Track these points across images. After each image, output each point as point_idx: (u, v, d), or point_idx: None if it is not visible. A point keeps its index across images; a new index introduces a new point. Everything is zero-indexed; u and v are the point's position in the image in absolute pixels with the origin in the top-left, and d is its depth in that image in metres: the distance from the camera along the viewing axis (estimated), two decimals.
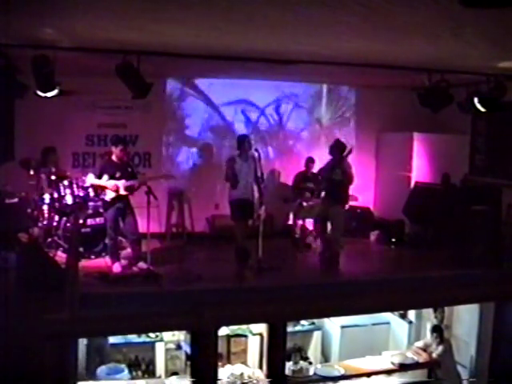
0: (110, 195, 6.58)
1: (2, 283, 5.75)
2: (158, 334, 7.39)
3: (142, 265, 6.59)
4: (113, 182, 6.56)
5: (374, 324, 8.11)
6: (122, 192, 6.61)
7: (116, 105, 8.55)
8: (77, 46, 5.91)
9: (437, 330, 7.56)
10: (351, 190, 8.74)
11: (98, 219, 7.37)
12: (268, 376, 6.60)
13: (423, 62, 6.67)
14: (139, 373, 7.40)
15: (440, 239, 7.98)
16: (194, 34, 5.34)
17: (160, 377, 7.35)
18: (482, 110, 7.39)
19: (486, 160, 9.10)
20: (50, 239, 7.26)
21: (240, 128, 9.21)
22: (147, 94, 6.34)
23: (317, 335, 8.13)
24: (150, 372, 7.45)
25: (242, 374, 6.99)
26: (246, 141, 7.43)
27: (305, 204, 8.45)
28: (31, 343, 5.21)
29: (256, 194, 7.35)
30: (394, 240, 8.41)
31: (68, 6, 4.33)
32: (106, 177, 6.58)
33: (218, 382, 6.35)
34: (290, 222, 8.84)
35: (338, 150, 7.42)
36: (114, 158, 6.72)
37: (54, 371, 5.28)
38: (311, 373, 7.12)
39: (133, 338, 7.31)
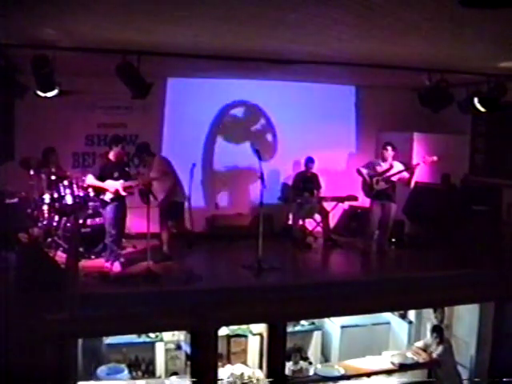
0: (109, 196, 6.61)
1: (2, 283, 5.75)
2: (157, 334, 7.39)
3: (142, 264, 6.60)
4: (113, 184, 6.58)
5: (373, 324, 8.11)
6: (122, 193, 6.64)
7: (116, 105, 8.54)
8: (77, 46, 5.90)
9: (437, 329, 7.56)
10: (351, 190, 8.80)
11: (97, 219, 7.37)
12: (268, 376, 6.60)
13: (423, 61, 6.67)
14: (139, 373, 7.41)
15: (440, 239, 7.98)
16: (194, 34, 5.35)
17: (160, 377, 7.36)
18: (482, 109, 7.38)
19: (486, 160, 9.10)
20: (49, 239, 7.25)
21: (240, 128, 9.23)
22: (147, 94, 6.33)
23: (317, 335, 8.13)
24: (150, 372, 7.45)
25: (242, 374, 7.00)
26: (148, 146, 7.44)
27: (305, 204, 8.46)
28: (31, 343, 5.21)
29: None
30: (393, 240, 8.40)
31: (68, 6, 4.33)
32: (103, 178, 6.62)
33: (218, 382, 6.36)
34: (290, 222, 8.85)
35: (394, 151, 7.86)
36: (111, 157, 6.74)
37: (54, 371, 5.28)
38: (311, 373, 7.13)
39: (133, 338, 7.31)
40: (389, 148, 7.82)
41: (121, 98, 7.99)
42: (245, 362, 7.46)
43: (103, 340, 7.15)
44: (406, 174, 7.75)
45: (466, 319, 7.72)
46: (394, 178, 7.75)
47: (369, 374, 7.25)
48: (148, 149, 7.44)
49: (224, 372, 7.00)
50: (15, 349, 5.12)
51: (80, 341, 6.66)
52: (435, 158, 7.77)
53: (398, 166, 7.80)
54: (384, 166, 7.83)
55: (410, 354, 7.53)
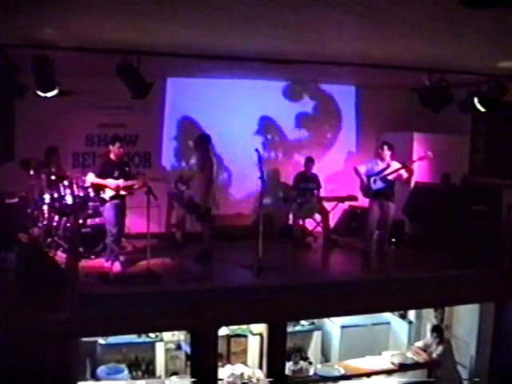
0: (108, 194, 6.62)
1: (1, 283, 5.75)
2: (157, 334, 7.39)
3: (142, 264, 6.60)
4: (113, 182, 6.61)
5: (374, 324, 8.11)
6: (122, 192, 6.66)
7: (116, 105, 8.54)
8: (77, 46, 5.91)
9: (437, 329, 7.56)
10: (351, 190, 8.80)
11: (98, 219, 7.37)
12: (268, 376, 6.60)
13: (423, 62, 6.67)
14: (139, 373, 7.40)
15: (440, 239, 7.97)
16: (194, 34, 5.35)
17: (160, 377, 7.36)
18: (482, 109, 7.38)
19: (486, 160, 9.10)
20: (49, 239, 7.25)
21: (239, 128, 9.23)
22: (147, 94, 6.34)
23: (317, 335, 8.13)
24: (150, 372, 7.45)
25: (242, 374, 7.00)
26: (205, 140, 7.36)
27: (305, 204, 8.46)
28: (31, 343, 5.21)
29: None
30: (393, 240, 8.40)
31: (68, 6, 4.34)
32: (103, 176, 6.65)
33: (218, 382, 6.35)
34: (290, 221, 8.85)
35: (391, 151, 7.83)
36: (112, 156, 6.77)
37: (54, 371, 5.28)
38: (311, 373, 7.14)
39: (133, 338, 7.31)
40: (385, 147, 7.82)
41: (121, 98, 7.99)
42: (245, 362, 7.46)
43: (98, 341, 7.14)
44: (404, 173, 7.73)
45: (465, 319, 7.72)
46: (390, 177, 7.74)
47: (369, 374, 7.25)
48: (208, 143, 7.35)
49: (224, 372, 7.00)
50: (15, 349, 5.12)
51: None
52: (430, 154, 7.76)
53: (395, 166, 7.80)
54: (381, 165, 7.83)
55: (409, 354, 7.53)
